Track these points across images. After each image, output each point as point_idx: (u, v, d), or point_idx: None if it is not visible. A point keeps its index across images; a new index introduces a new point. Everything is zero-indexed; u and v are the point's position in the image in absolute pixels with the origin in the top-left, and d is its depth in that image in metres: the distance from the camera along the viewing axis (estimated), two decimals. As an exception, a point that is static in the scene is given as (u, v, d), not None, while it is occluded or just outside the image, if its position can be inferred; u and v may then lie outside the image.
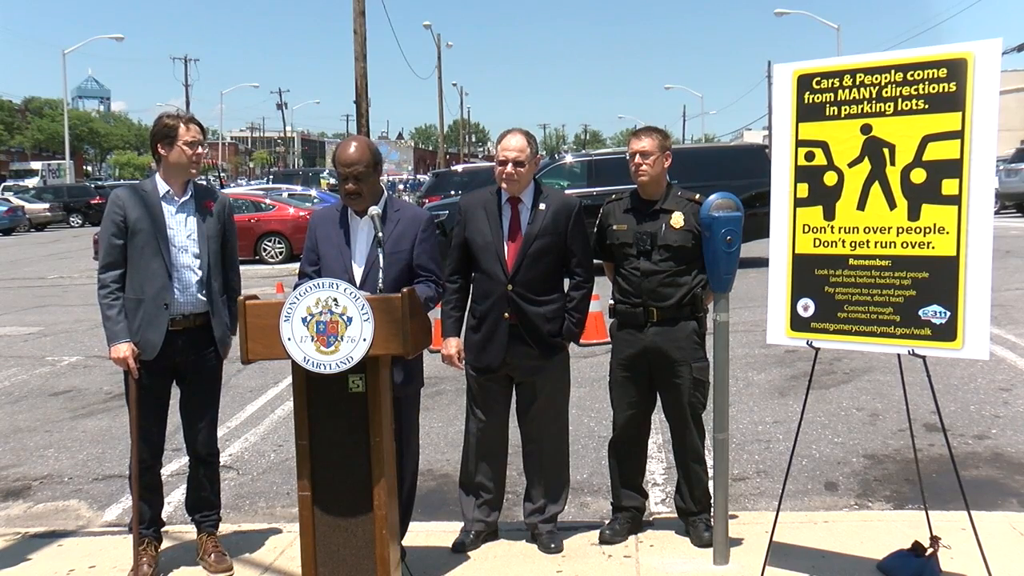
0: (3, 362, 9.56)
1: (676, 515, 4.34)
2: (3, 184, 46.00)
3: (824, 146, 3.62)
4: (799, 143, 3.68)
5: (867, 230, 3.54)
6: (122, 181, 49.64)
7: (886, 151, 3.49)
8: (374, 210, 3.65)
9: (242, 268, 4.35)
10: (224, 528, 4.39)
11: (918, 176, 3.42)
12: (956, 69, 3.33)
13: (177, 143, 3.96)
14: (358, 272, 3.75)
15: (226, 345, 4.13)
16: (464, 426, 4.33)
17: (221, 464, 4.46)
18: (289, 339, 3.18)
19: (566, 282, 4.19)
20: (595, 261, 4.22)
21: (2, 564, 4.22)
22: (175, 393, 4.11)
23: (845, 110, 3.57)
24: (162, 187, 4.00)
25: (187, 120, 4.03)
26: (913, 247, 3.45)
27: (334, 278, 3.31)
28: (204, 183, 4.86)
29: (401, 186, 51.75)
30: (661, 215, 4.07)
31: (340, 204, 3.90)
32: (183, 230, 4.00)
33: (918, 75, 3.41)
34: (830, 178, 3.61)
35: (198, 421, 4.10)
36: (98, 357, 9.17)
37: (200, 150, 4.04)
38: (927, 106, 3.39)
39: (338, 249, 3.80)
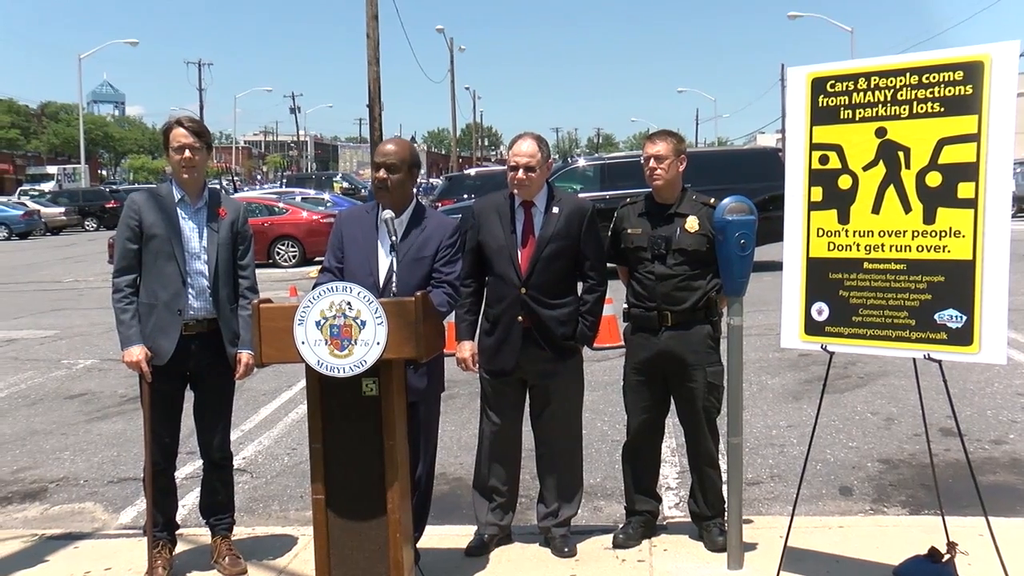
0: (19, 365, 9.64)
1: (690, 519, 4.32)
2: (19, 188, 46.45)
3: (838, 149, 3.60)
4: (813, 146, 3.66)
5: (882, 234, 3.52)
6: (137, 185, 49.99)
7: (901, 154, 3.46)
8: (387, 214, 3.66)
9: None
10: (238, 531, 4.40)
11: (933, 179, 3.40)
12: (972, 72, 3.30)
13: (169, 149, 3.96)
14: (382, 275, 3.75)
15: (235, 354, 4.01)
16: (478, 429, 4.33)
17: (235, 467, 4.48)
18: (303, 343, 3.19)
19: (579, 285, 4.19)
20: (609, 265, 4.22)
21: (20, 565, 4.25)
22: (189, 396, 4.12)
23: (860, 113, 3.55)
24: (177, 192, 4.00)
25: (176, 123, 3.95)
26: (929, 251, 3.42)
27: (354, 282, 3.30)
28: (216, 186, 4.83)
29: (414, 189, 51.63)
30: (676, 219, 4.06)
31: (369, 206, 3.91)
32: (196, 236, 4.00)
33: (934, 78, 3.38)
34: (844, 181, 3.59)
35: (212, 425, 4.11)
36: (113, 360, 9.21)
37: (188, 154, 3.90)
38: (943, 109, 3.37)
39: (364, 253, 3.81)
